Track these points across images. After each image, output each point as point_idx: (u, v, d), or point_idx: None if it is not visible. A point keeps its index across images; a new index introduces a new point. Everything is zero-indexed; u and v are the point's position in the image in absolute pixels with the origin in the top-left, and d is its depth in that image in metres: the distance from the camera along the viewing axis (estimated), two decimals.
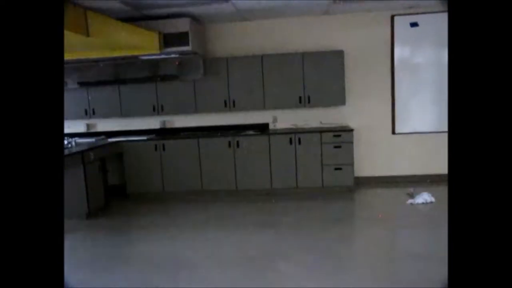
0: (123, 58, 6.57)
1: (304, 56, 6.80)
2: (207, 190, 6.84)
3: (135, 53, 6.19)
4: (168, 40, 6.15)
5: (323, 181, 6.64)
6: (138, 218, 5.98)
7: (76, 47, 5.82)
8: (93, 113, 7.29)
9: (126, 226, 5.69)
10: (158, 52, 6.14)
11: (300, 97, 6.85)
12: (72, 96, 7.26)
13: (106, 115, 7.38)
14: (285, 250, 4.47)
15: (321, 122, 7.10)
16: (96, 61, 6.73)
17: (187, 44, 6.15)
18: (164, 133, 7.39)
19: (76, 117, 7.37)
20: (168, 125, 7.48)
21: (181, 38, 6.14)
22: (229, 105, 7.00)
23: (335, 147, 6.58)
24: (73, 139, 6.63)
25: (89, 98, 7.27)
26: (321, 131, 6.68)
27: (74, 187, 5.85)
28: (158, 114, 7.22)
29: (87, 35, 5.42)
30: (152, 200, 6.82)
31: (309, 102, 6.85)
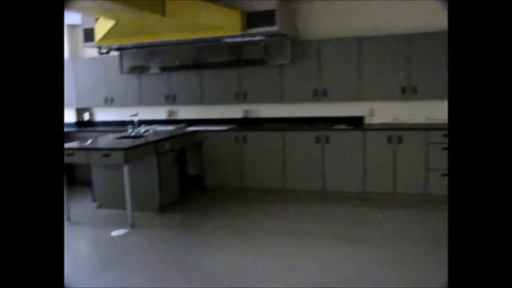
0: (205, 41, 6.05)
1: (410, 38, 5.71)
2: (290, 189, 6.11)
3: (216, 34, 5.59)
4: (252, 19, 5.47)
5: (427, 189, 5.55)
6: (211, 217, 5.45)
7: (152, 29, 5.38)
8: (174, 99, 6.92)
9: (197, 225, 5.18)
10: (241, 32, 5.48)
11: (403, 87, 5.80)
12: (154, 82, 6.99)
13: (187, 102, 6.98)
14: (372, 278, 3.61)
15: (427, 118, 5.95)
16: (178, 44, 6.31)
17: (273, 24, 5.42)
18: (246, 123, 6.79)
19: (158, 103, 7.07)
20: (251, 115, 6.86)
21: (266, 18, 5.42)
22: (320, 95, 6.17)
23: (445, 148, 5.45)
24: (152, 127, 6.30)
25: (171, 83, 6.90)
26: (427, 128, 5.58)
27: (146, 178, 5.50)
28: (240, 102, 6.63)
29: (164, 14, 4.91)
30: (230, 195, 6.27)
31: (414, 93, 5.77)
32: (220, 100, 6.77)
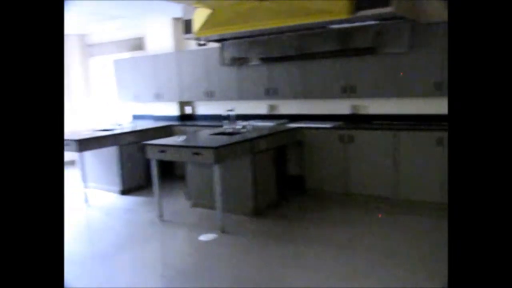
0: (308, 28, 5.42)
1: None
2: (402, 198, 5.25)
3: (319, 19, 4.90)
4: (362, 0, 4.70)
5: None
6: (310, 225, 4.84)
7: (250, 16, 4.91)
8: (275, 93, 6.41)
9: (294, 234, 4.61)
10: (348, 16, 4.72)
11: None
12: (254, 74, 6.56)
13: (289, 96, 6.42)
14: None
15: None
16: (279, 33, 5.77)
17: (387, 4, 4.58)
18: (354, 120, 6.04)
19: (258, 97, 6.63)
20: (360, 111, 6.08)
21: None
22: (444, 88, 5.18)
23: None
24: (250, 122, 5.87)
25: (272, 76, 6.40)
26: None
27: (240, 179, 5.09)
28: (348, 96, 5.88)
29: None
30: (332, 201, 5.60)
31: None
32: (325, 94, 6.10)
